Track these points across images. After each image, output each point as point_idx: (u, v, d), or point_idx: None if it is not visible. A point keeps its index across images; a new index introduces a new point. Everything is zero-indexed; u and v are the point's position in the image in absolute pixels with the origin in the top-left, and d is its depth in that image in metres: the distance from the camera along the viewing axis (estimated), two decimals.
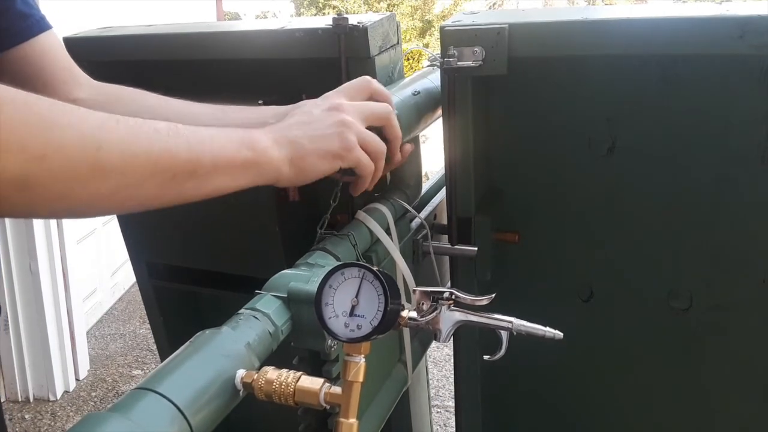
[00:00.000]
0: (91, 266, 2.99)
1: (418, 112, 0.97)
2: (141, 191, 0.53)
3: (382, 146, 0.72)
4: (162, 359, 1.26)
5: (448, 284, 1.14)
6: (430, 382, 2.32)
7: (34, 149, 0.45)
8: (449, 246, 1.04)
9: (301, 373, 0.58)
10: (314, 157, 0.65)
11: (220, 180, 0.60)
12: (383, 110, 0.74)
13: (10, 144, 0.44)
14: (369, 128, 0.71)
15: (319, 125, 0.67)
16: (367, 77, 0.75)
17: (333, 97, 0.71)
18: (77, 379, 2.61)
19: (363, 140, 0.69)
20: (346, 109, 0.69)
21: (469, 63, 0.89)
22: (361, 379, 0.57)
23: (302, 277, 0.71)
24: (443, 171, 1.02)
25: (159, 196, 0.55)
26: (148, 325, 1.52)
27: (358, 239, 0.87)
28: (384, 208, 0.95)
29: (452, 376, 1.17)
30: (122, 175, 0.51)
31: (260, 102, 0.97)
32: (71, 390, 2.56)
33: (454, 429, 1.21)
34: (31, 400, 2.48)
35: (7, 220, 2.35)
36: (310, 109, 0.70)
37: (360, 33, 0.94)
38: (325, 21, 0.98)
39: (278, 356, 0.67)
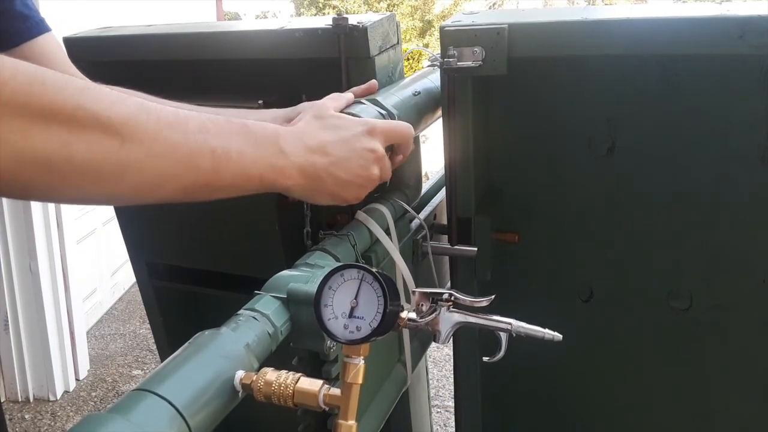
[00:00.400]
0: (91, 266, 3.00)
1: (418, 112, 0.97)
2: (155, 193, 0.52)
3: (390, 173, 0.72)
4: (162, 359, 1.26)
5: (448, 285, 1.14)
6: (430, 382, 2.32)
7: (58, 132, 0.43)
8: (449, 246, 1.03)
9: (300, 374, 0.58)
10: (327, 192, 0.66)
11: (230, 192, 0.59)
12: (407, 132, 0.74)
13: (37, 121, 0.42)
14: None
15: (353, 165, 0.66)
16: (410, 126, 0.75)
17: (378, 137, 0.69)
18: (77, 379, 2.62)
19: (381, 170, 0.70)
20: (379, 159, 0.68)
21: (469, 63, 0.89)
22: (360, 380, 0.57)
23: (301, 278, 0.71)
24: (443, 171, 1.02)
25: (171, 197, 0.54)
26: (148, 325, 1.52)
27: (357, 240, 0.87)
28: (384, 209, 0.94)
29: (452, 376, 1.17)
30: (140, 175, 0.49)
31: (260, 102, 0.97)
32: (71, 390, 2.56)
33: (454, 429, 1.21)
34: (31, 400, 2.48)
35: (8, 221, 2.35)
36: (349, 140, 0.66)
37: (360, 33, 0.94)
38: (325, 21, 0.98)
39: (277, 357, 0.67)
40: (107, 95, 0.47)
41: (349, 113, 0.84)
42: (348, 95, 0.80)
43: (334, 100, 0.76)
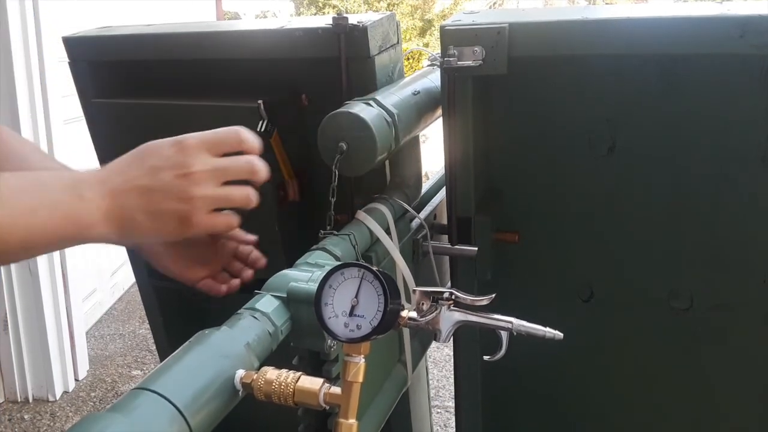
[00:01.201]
0: (91, 266, 2.99)
1: (417, 111, 0.97)
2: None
3: (243, 198, 0.64)
4: (161, 359, 1.25)
5: (448, 284, 1.14)
6: (430, 382, 2.32)
7: None
8: (449, 246, 1.03)
9: (300, 373, 0.58)
10: (147, 232, 0.59)
11: (37, 252, 0.55)
12: (244, 167, 0.63)
13: None
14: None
15: (162, 198, 0.58)
16: (237, 128, 0.65)
17: (190, 151, 0.60)
18: (76, 380, 2.61)
19: (217, 202, 0.62)
20: (197, 176, 0.59)
21: (469, 63, 0.89)
22: (360, 379, 0.57)
23: (302, 277, 0.71)
24: (443, 171, 1.02)
25: None
26: (148, 326, 1.51)
27: (358, 239, 0.87)
28: (384, 208, 0.94)
29: (452, 376, 1.17)
30: None
31: (259, 102, 0.97)
32: (70, 390, 2.55)
33: (454, 429, 1.21)
34: (31, 400, 2.48)
35: None
36: (159, 167, 0.59)
37: (360, 32, 0.94)
38: (324, 20, 0.98)
39: (278, 356, 0.66)
40: None
41: (348, 112, 0.84)
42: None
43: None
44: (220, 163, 0.61)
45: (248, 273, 0.78)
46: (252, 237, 0.76)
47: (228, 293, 0.76)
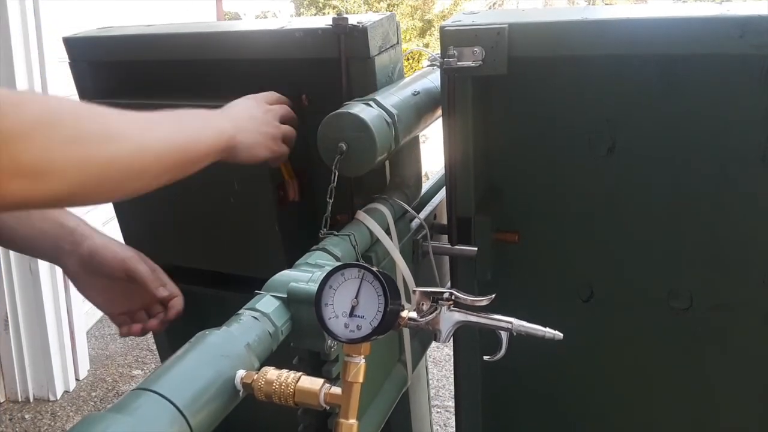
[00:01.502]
0: None
1: (417, 112, 0.97)
2: (156, 181, 0.64)
3: (293, 133, 0.91)
4: (162, 359, 1.26)
5: (448, 284, 1.14)
6: (430, 382, 2.32)
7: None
8: (449, 246, 1.03)
9: (300, 373, 0.58)
10: (253, 148, 0.82)
11: (202, 164, 0.72)
12: (287, 111, 0.92)
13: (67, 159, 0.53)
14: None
15: (261, 124, 0.84)
16: (273, 92, 0.94)
17: (262, 99, 0.89)
18: (77, 379, 2.61)
19: (283, 132, 0.88)
20: (274, 113, 0.88)
21: (469, 63, 0.89)
22: (360, 379, 0.57)
23: (302, 278, 0.71)
24: (443, 171, 1.02)
25: (159, 184, 0.65)
26: None
27: (358, 239, 0.87)
28: (384, 209, 0.95)
29: (452, 375, 1.17)
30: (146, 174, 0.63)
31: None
32: (71, 390, 2.55)
33: (454, 429, 1.21)
34: (31, 400, 2.48)
35: None
36: (251, 107, 0.85)
37: (360, 33, 0.94)
38: (325, 21, 0.98)
39: (278, 356, 0.67)
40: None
41: (348, 113, 0.84)
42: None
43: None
44: (275, 107, 0.90)
45: (154, 323, 0.88)
46: (163, 293, 0.86)
47: (141, 334, 0.87)
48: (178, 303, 0.87)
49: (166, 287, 0.85)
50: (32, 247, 0.81)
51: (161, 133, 0.65)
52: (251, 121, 0.82)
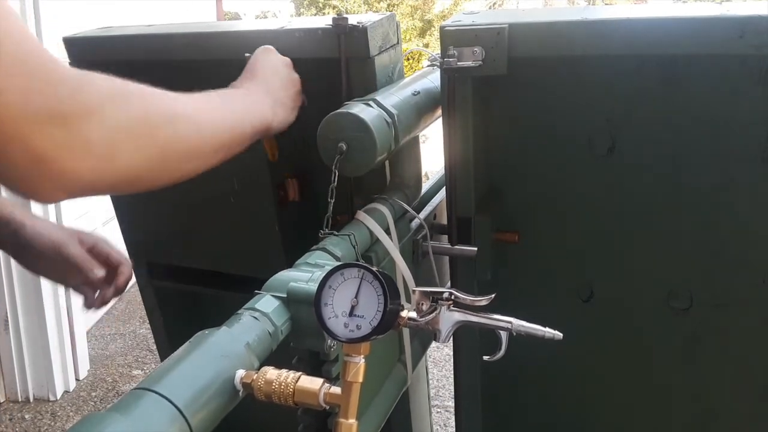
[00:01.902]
0: None
1: (417, 112, 0.97)
2: (207, 163, 0.65)
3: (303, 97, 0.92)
4: (162, 359, 1.26)
5: (448, 284, 1.14)
6: (430, 382, 2.32)
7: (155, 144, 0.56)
8: (449, 246, 1.03)
9: (300, 373, 0.58)
10: (288, 113, 0.85)
11: (246, 144, 0.74)
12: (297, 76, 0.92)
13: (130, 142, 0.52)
14: None
15: (291, 86, 0.87)
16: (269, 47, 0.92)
17: (283, 60, 0.89)
18: (77, 379, 2.61)
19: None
20: (293, 73, 0.89)
21: (469, 63, 0.89)
22: (360, 379, 0.57)
23: (302, 278, 0.71)
24: (443, 171, 1.02)
25: (208, 165, 0.67)
26: (148, 325, 1.52)
27: (358, 239, 0.87)
28: (384, 209, 0.95)
29: (452, 376, 1.17)
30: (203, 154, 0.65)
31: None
32: (71, 390, 2.55)
33: (454, 428, 1.21)
34: (31, 400, 2.48)
35: None
36: (277, 70, 0.86)
37: (360, 33, 0.94)
38: (325, 21, 0.98)
39: (278, 356, 0.67)
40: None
41: (348, 113, 0.84)
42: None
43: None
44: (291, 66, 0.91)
45: (109, 292, 0.89)
46: (97, 275, 0.87)
47: (101, 305, 0.89)
48: (125, 270, 0.89)
49: (102, 266, 0.86)
50: None
51: (216, 114, 0.68)
52: (283, 91, 0.84)
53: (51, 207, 2.43)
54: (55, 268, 0.85)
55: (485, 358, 0.61)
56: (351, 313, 0.57)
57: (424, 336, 1.11)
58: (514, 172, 1.06)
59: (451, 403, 2.16)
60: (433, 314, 0.59)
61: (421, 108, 0.98)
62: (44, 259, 0.82)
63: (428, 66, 1.11)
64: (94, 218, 3.01)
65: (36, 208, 2.36)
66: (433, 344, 1.81)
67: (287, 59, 0.89)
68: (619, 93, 0.95)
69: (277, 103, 0.81)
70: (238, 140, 0.70)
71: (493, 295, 0.58)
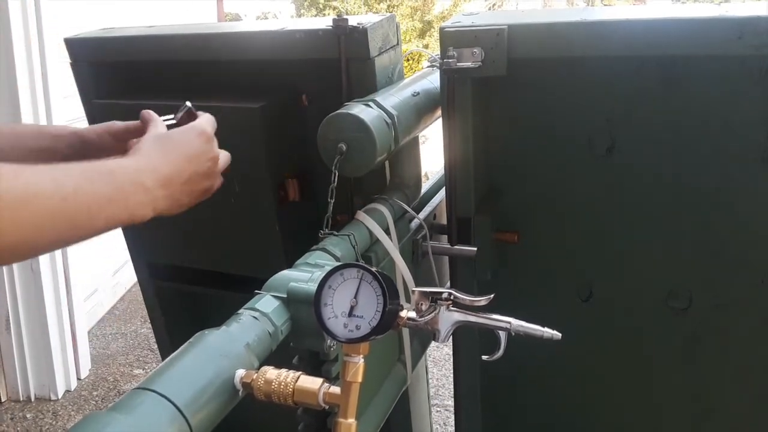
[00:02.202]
0: (93, 266, 3.00)
1: (417, 112, 0.97)
2: (32, 252, 0.56)
3: (228, 162, 0.76)
4: (163, 358, 1.26)
5: (448, 284, 1.14)
6: (430, 381, 2.32)
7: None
8: (449, 246, 1.04)
9: (300, 373, 0.58)
10: (183, 208, 0.69)
11: (102, 232, 0.61)
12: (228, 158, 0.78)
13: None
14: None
15: (199, 180, 0.70)
16: (210, 118, 0.77)
17: (212, 139, 0.73)
18: (79, 379, 2.62)
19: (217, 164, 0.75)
20: (218, 160, 0.73)
21: (469, 64, 0.89)
22: (359, 379, 0.57)
23: (302, 278, 0.71)
24: (443, 171, 1.02)
25: (45, 251, 0.57)
26: (149, 325, 1.52)
27: (357, 239, 0.87)
28: (383, 209, 0.95)
29: (452, 375, 1.17)
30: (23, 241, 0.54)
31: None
32: (72, 389, 2.56)
33: (454, 428, 1.21)
34: (33, 399, 2.49)
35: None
36: (194, 156, 0.70)
37: (360, 34, 0.94)
38: (325, 22, 0.98)
39: (278, 356, 0.67)
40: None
41: (348, 113, 0.84)
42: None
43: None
44: (222, 153, 0.74)
45: None
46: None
47: None
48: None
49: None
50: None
51: (57, 203, 0.55)
52: (185, 186, 0.69)
53: None
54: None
55: (484, 358, 0.62)
56: (350, 314, 0.57)
57: (424, 336, 1.11)
58: (514, 172, 1.06)
59: (451, 403, 2.16)
60: (433, 314, 0.59)
61: (421, 109, 0.98)
62: (97, 150, 0.77)
63: (428, 67, 1.11)
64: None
65: None
66: (433, 344, 1.81)
67: (213, 151, 0.72)
68: (618, 93, 0.95)
69: (167, 198, 0.67)
70: (80, 234, 0.58)
71: (492, 295, 0.58)
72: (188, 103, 0.74)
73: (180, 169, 0.68)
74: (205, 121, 0.73)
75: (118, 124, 0.78)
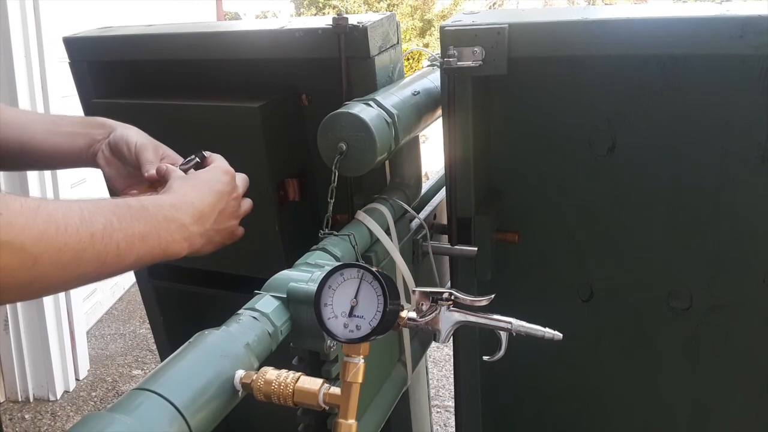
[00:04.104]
0: None
1: (417, 112, 0.97)
2: (60, 290, 0.56)
3: (251, 208, 0.78)
4: (162, 359, 1.26)
5: (448, 284, 1.14)
6: (430, 382, 2.32)
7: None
8: (449, 246, 1.03)
9: (300, 373, 0.58)
10: (212, 247, 0.70)
11: (137, 267, 0.61)
12: (246, 184, 0.78)
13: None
14: None
15: (226, 218, 0.71)
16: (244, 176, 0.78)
17: (235, 179, 0.74)
18: (77, 379, 2.61)
19: (243, 216, 0.76)
20: (240, 199, 0.75)
21: (469, 63, 0.89)
22: (360, 379, 0.57)
23: (302, 278, 0.71)
24: (443, 171, 1.02)
25: (76, 287, 0.57)
26: (148, 325, 1.52)
27: (357, 239, 0.87)
28: (384, 209, 0.94)
29: (452, 376, 1.17)
30: (47, 284, 0.53)
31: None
32: (71, 390, 2.55)
33: (454, 428, 1.21)
34: (31, 400, 2.48)
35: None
36: (223, 192, 0.71)
37: (360, 33, 0.94)
38: (325, 21, 0.98)
39: (278, 356, 0.67)
40: (18, 216, 0.49)
41: (348, 113, 0.84)
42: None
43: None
44: (240, 192, 0.75)
45: None
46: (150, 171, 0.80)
47: None
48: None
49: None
50: (61, 153, 0.78)
51: (76, 246, 0.53)
52: (216, 225, 0.69)
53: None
54: (133, 175, 0.80)
55: (485, 358, 0.61)
56: (351, 314, 0.56)
57: (424, 336, 1.11)
58: (514, 172, 1.06)
59: (451, 403, 2.16)
60: (433, 314, 0.59)
61: (421, 108, 0.98)
62: (123, 161, 0.77)
63: (428, 66, 1.11)
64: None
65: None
66: (433, 344, 1.81)
67: (237, 191, 0.74)
68: (619, 93, 0.95)
69: (202, 236, 0.66)
70: (108, 272, 0.57)
71: (492, 296, 0.58)
72: (205, 153, 0.76)
73: (213, 205, 0.68)
74: (225, 162, 0.74)
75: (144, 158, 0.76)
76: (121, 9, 2.91)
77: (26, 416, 2.42)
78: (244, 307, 0.68)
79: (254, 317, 0.65)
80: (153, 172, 0.74)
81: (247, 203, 0.76)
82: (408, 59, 6.20)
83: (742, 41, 0.79)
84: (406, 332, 1.00)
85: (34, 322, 2.45)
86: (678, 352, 1.06)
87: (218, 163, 0.74)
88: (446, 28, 0.90)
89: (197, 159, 0.75)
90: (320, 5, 10.62)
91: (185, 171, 0.73)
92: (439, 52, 0.93)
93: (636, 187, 1.00)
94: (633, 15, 0.87)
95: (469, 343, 1.09)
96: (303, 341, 0.70)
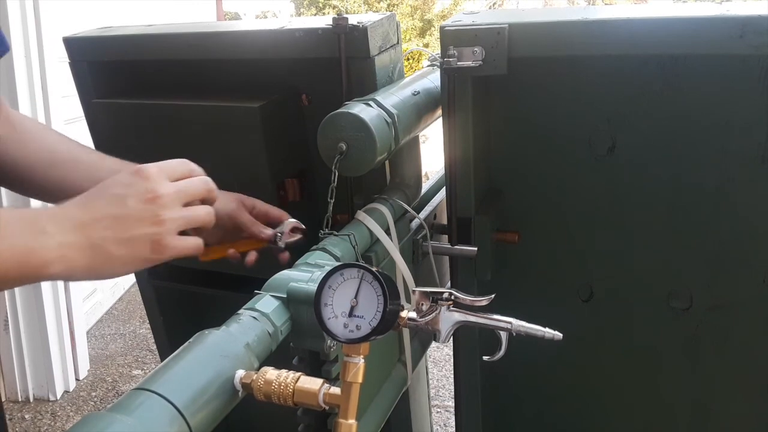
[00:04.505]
0: None
1: (417, 112, 0.97)
2: None
3: (208, 217, 0.64)
4: (162, 359, 1.26)
5: (448, 284, 1.14)
6: (430, 382, 2.32)
7: None
8: (449, 246, 1.03)
9: (300, 373, 0.58)
10: (119, 261, 0.57)
11: None
12: (201, 186, 0.64)
13: None
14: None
15: (134, 224, 0.58)
16: (184, 159, 0.65)
17: (152, 177, 0.60)
18: (77, 379, 2.61)
19: (186, 223, 0.62)
20: (164, 199, 0.59)
21: (469, 63, 0.89)
22: (360, 379, 0.57)
23: (302, 278, 0.71)
24: (443, 171, 1.02)
25: None
26: (148, 325, 1.51)
27: (357, 239, 0.87)
28: (384, 208, 0.94)
29: (452, 376, 1.17)
30: None
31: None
32: (71, 390, 2.55)
33: (454, 428, 1.21)
34: (31, 400, 2.48)
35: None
36: (124, 195, 0.58)
37: (360, 33, 0.94)
38: (325, 21, 0.98)
39: (278, 356, 0.67)
40: None
41: (348, 113, 0.84)
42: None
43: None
44: (181, 185, 0.61)
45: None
46: (267, 232, 0.88)
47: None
48: (289, 221, 0.89)
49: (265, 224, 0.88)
50: None
51: None
52: (111, 224, 0.57)
53: (50, 206, 2.43)
54: (225, 237, 0.86)
55: (485, 358, 0.61)
56: (351, 314, 0.56)
57: (424, 336, 1.11)
58: (514, 172, 1.06)
59: (451, 403, 2.16)
60: (433, 314, 0.59)
61: (421, 108, 0.98)
62: (218, 228, 0.75)
63: (428, 66, 1.11)
64: None
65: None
66: (433, 344, 1.81)
67: (153, 191, 0.59)
68: (619, 93, 0.95)
69: (82, 248, 0.55)
70: None
71: (492, 296, 0.58)
72: (291, 220, 0.86)
73: (100, 210, 0.57)
74: (162, 163, 0.62)
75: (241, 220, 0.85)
76: (121, 9, 2.91)
77: (26, 416, 2.42)
78: (244, 307, 0.68)
79: (254, 317, 0.65)
80: (270, 233, 0.84)
81: (200, 210, 0.63)
82: (408, 59, 6.20)
83: (742, 41, 0.79)
84: (406, 332, 1.00)
85: (34, 322, 2.45)
86: (678, 352, 1.06)
87: (134, 166, 0.61)
88: (446, 28, 0.90)
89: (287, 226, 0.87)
90: (320, 5, 10.63)
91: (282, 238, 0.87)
92: (439, 52, 0.93)
93: (636, 187, 1.00)
94: (633, 15, 0.87)
95: (469, 343, 1.09)
96: (303, 341, 0.70)
